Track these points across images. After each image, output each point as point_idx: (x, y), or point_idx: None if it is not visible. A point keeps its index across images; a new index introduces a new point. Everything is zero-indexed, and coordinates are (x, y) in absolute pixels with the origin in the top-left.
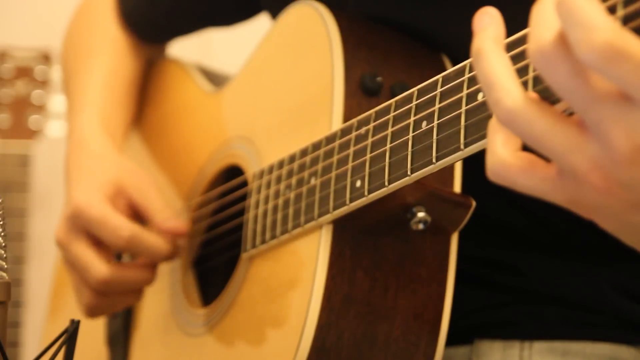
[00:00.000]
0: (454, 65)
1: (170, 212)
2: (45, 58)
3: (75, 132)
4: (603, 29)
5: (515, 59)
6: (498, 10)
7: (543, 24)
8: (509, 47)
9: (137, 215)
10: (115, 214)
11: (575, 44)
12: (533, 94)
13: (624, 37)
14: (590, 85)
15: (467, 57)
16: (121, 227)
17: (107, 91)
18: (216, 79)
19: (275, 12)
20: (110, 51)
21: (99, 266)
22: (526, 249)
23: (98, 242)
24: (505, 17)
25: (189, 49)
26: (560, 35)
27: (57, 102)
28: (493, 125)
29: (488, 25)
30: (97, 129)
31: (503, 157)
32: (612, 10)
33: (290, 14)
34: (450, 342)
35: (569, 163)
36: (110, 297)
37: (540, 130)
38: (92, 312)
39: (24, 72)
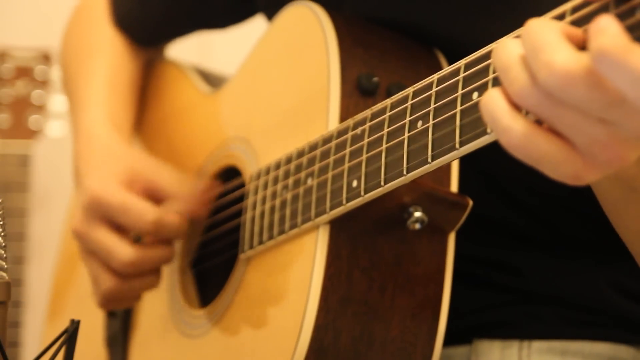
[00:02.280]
0: (450, 65)
1: (186, 188)
2: (45, 58)
3: (82, 129)
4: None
5: None
6: (497, 19)
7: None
8: None
9: (154, 198)
10: (137, 199)
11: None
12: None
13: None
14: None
15: (464, 55)
16: (146, 211)
17: (110, 88)
18: (213, 80)
19: (270, 14)
20: (110, 51)
21: (124, 249)
22: (525, 249)
23: (117, 228)
24: (506, 17)
25: (189, 50)
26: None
27: (57, 102)
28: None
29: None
30: (105, 124)
31: (528, 122)
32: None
33: (286, 14)
34: (449, 342)
35: (567, 172)
36: (133, 280)
37: (545, 149)
38: (111, 300)
39: (24, 72)
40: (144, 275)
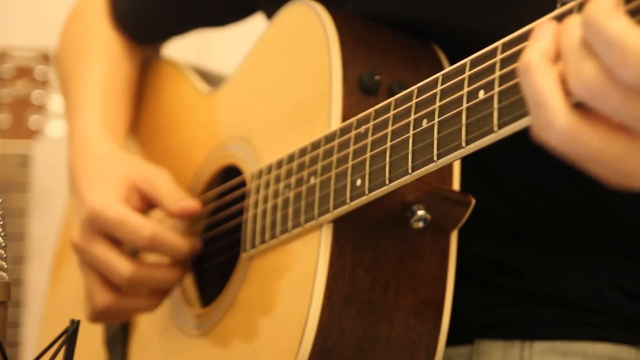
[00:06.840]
0: (451, 63)
1: (180, 194)
2: (45, 58)
3: (76, 134)
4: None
5: None
6: (499, 9)
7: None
8: None
9: (151, 206)
10: (134, 214)
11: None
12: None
13: None
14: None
15: (465, 55)
16: (142, 226)
17: (105, 92)
18: (212, 80)
19: (270, 12)
20: (106, 53)
21: (123, 264)
22: (526, 249)
23: (117, 243)
24: (510, 16)
25: (189, 49)
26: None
27: (57, 102)
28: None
29: (541, 38)
30: (99, 129)
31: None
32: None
33: (287, 13)
34: (450, 342)
35: (625, 169)
36: (128, 298)
37: (596, 146)
38: (102, 316)
39: (24, 72)
40: (141, 296)
